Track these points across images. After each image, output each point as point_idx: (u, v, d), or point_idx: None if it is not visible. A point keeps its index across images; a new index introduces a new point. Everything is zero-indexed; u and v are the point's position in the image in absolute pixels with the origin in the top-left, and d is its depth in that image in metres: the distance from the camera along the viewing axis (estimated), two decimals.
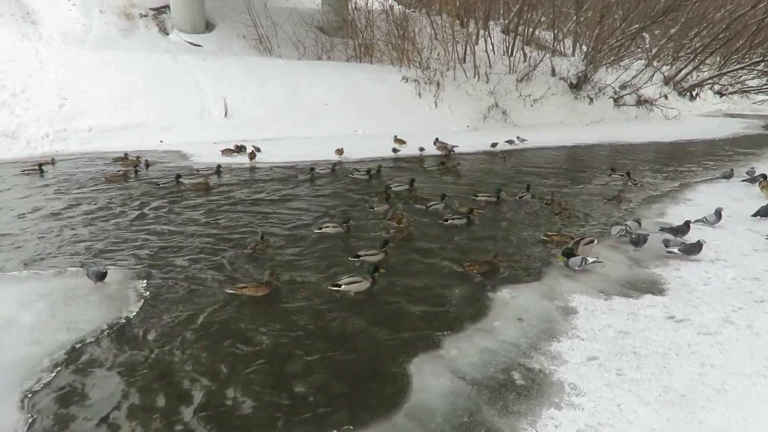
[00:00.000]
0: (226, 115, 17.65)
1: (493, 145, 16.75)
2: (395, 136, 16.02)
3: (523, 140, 17.43)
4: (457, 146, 15.89)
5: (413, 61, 23.35)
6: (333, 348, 5.10)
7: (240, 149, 14.49)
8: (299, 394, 4.41)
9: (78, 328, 5.34)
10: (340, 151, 14.62)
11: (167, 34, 22.95)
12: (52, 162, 13.28)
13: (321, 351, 5.04)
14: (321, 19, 26.56)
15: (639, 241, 7.58)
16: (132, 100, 17.00)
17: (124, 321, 5.53)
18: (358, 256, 6.92)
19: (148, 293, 6.15)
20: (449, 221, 8.60)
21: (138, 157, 13.30)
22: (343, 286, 6.04)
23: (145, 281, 6.45)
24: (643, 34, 30.55)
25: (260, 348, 5.08)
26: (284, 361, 4.87)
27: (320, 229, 7.87)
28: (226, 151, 14.30)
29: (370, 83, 21.44)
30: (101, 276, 6.10)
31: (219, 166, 12.38)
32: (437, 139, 16.01)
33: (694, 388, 4.50)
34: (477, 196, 10.00)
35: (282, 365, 4.81)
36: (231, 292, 5.95)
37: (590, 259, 6.87)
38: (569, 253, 6.91)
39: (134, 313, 5.68)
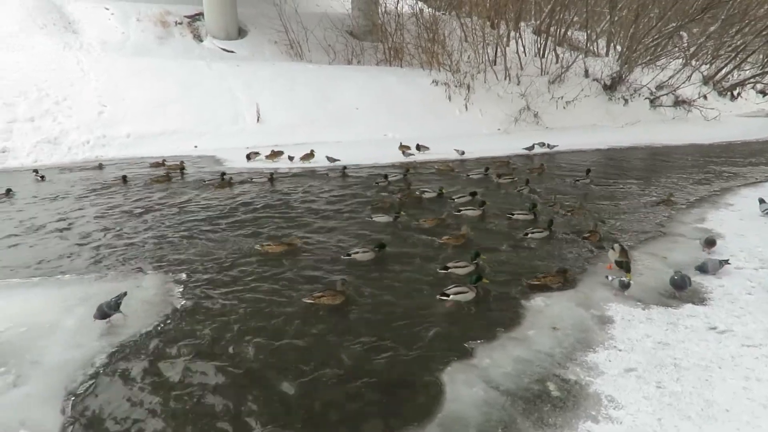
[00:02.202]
0: (258, 120, 17.97)
1: (528, 148, 16.52)
2: (400, 143, 15.94)
3: (543, 145, 17.01)
4: (428, 148, 15.61)
5: (443, 64, 23.28)
6: (365, 355, 5.10)
7: (251, 156, 14.61)
8: (332, 402, 4.43)
9: (117, 333, 5.50)
10: (406, 148, 14.82)
11: (201, 40, 23.50)
12: (100, 167, 13.94)
13: (353, 358, 5.05)
14: (351, 23, 26.77)
15: (684, 283, 6.26)
16: (168, 107, 17.50)
17: (161, 326, 5.66)
18: (447, 268, 6.81)
19: (185, 299, 6.28)
20: (529, 235, 8.29)
21: (181, 162, 13.69)
22: (451, 296, 6.03)
23: (182, 287, 6.60)
24: (681, 32, 29.73)
25: (291, 354, 5.13)
26: (316, 368, 4.89)
27: (349, 255, 7.34)
28: (271, 155, 14.53)
29: (400, 87, 21.49)
30: (103, 315, 5.51)
31: (272, 174, 12.47)
32: (401, 144, 15.79)
33: (738, 402, 4.33)
34: (513, 215, 9.35)
35: (314, 372, 4.84)
36: (309, 301, 5.93)
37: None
38: (628, 267, 6.61)
39: (171, 319, 5.81)
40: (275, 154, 14.66)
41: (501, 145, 17.23)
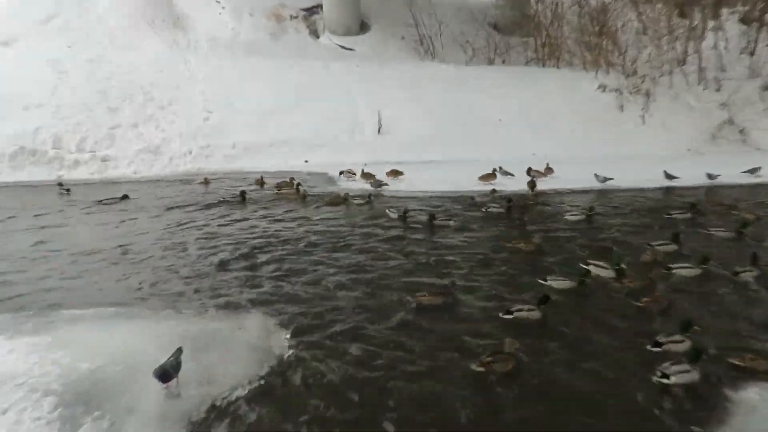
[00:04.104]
0: (380, 131, 18.67)
1: (754, 171, 15.28)
2: (497, 168, 15.47)
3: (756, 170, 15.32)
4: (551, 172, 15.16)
5: (614, 64, 22.52)
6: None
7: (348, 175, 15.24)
8: None
9: (218, 381, 5.82)
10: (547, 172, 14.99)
11: (318, 37, 25.04)
12: (206, 182, 15.20)
13: None
14: (495, 14, 26.89)
15: None
16: (278, 115, 18.78)
17: (265, 378, 5.92)
18: (659, 345, 6.41)
19: (295, 348, 6.50)
20: None
21: (292, 178, 14.50)
22: (672, 378, 5.78)
23: (293, 332, 6.86)
24: None
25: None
26: None
27: (511, 314, 7.15)
28: (366, 175, 15.00)
29: (556, 93, 21.18)
30: (163, 377, 5.56)
31: (405, 213, 12.02)
32: (530, 168, 15.19)
33: None
34: (738, 273, 8.44)
35: None
36: (479, 369, 5.90)
37: None
38: None
39: (278, 372, 6.04)
40: (394, 173, 15.08)
41: (692, 170, 15.95)
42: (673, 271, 8.59)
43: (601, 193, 14.35)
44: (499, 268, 9.03)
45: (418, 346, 6.56)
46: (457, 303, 7.70)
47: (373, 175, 14.97)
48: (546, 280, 8.24)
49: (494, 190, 13.82)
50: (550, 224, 11.53)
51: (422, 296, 7.62)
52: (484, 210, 12.07)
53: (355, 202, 12.89)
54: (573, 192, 14.42)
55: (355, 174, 15.37)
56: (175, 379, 5.64)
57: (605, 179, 14.66)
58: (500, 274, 8.82)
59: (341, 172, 15.55)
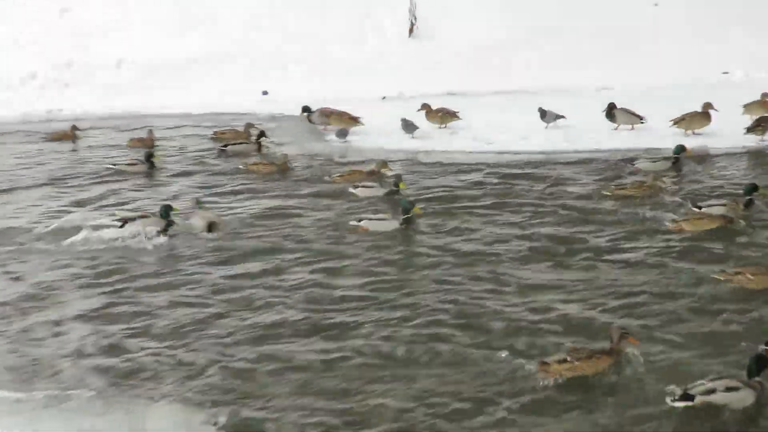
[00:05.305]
0: (412, 32, 17.19)
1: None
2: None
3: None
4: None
5: None
6: None
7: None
8: None
9: None
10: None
11: None
12: (73, 134, 14.95)
13: None
14: None
15: None
16: (204, 4, 17.57)
17: None
18: None
19: None
20: None
21: (249, 125, 14.21)
22: None
23: None
24: None
25: None
26: None
27: (691, 399, 6.85)
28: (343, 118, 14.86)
29: None
30: None
31: None
32: (612, 105, 15.09)
33: None
34: None
35: None
36: None
37: None
38: None
39: None
40: (441, 117, 14.93)
41: None
42: None
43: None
44: (697, 317, 8.26)
45: None
46: (625, 373, 7.20)
47: (355, 118, 14.51)
48: None
49: (682, 148, 13.27)
50: None
51: (561, 362, 7.14)
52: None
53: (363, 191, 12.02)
54: None
55: (340, 115, 14.20)
56: None
57: None
58: (698, 326, 8.06)
59: (305, 111, 14.15)
